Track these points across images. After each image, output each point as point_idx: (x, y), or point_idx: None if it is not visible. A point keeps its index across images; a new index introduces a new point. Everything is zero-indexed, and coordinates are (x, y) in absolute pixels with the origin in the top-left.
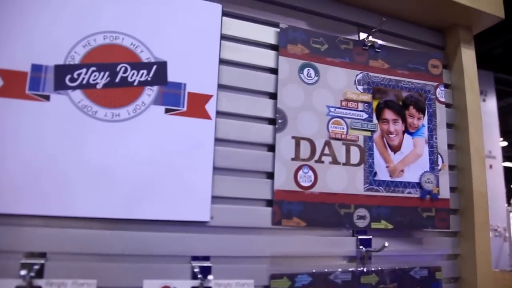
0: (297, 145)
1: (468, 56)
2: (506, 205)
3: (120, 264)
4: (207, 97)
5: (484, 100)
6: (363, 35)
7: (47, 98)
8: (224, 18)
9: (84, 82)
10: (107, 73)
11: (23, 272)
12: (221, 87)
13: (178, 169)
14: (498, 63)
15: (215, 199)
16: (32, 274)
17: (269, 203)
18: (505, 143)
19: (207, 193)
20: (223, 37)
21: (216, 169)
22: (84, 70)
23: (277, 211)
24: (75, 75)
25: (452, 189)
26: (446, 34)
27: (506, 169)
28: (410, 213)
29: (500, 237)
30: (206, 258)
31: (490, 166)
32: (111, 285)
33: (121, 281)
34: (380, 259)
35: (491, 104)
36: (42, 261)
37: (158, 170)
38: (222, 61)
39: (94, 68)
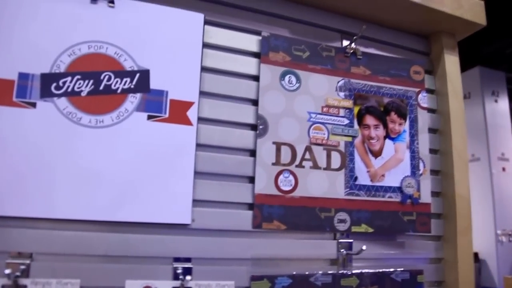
0: (278, 150)
1: (451, 62)
2: None
3: (103, 265)
4: (189, 104)
5: (496, 101)
6: (346, 42)
7: (33, 105)
8: (206, 26)
9: (69, 90)
10: (91, 81)
11: (7, 271)
12: (203, 94)
13: (160, 173)
14: (510, 63)
15: (197, 202)
16: (18, 273)
17: (250, 206)
18: None
19: (188, 196)
20: (206, 45)
21: (197, 174)
22: (69, 78)
23: (258, 214)
24: (60, 83)
25: (436, 194)
26: (431, 40)
27: None
28: (391, 217)
29: None
30: (188, 260)
31: (503, 169)
32: (94, 285)
33: (104, 281)
34: (362, 262)
35: (503, 105)
36: (28, 261)
37: (140, 174)
38: (204, 69)
39: (79, 76)
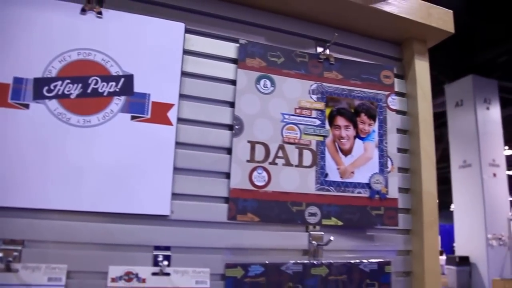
0: (252, 148)
1: (421, 67)
2: (510, 213)
3: (89, 252)
4: (169, 106)
5: (487, 109)
6: (320, 49)
7: (26, 106)
8: (187, 35)
9: (60, 92)
10: (80, 85)
11: (0, 255)
12: (183, 96)
13: (141, 168)
14: (502, 71)
15: (176, 195)
16: (10, 258)
17: (226, 200)
18: (509, 152)
19: (168, 190)
20: (186, 52)
21: (177, 169)
22: (59, 82)
23: (233, 207)
24: (51, 87)
25: (405, 190)
26: (403, 46)
27: (510, 177)
28: (360, 211)
29: (504, 246)
30: (167, 248)
31: (494, 175)
32: (80, 270)
33: (89, 266)
34: (334, 253)
35: (495, 112)
36: (20, 248)
37: (124, 169)
38: (185, 73)
39: (68, 81)
